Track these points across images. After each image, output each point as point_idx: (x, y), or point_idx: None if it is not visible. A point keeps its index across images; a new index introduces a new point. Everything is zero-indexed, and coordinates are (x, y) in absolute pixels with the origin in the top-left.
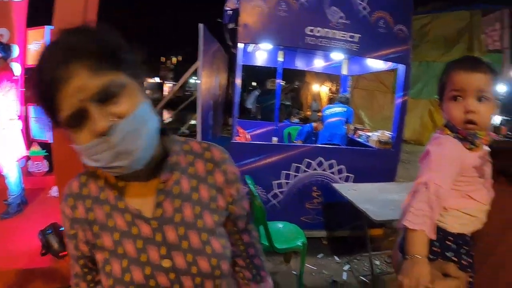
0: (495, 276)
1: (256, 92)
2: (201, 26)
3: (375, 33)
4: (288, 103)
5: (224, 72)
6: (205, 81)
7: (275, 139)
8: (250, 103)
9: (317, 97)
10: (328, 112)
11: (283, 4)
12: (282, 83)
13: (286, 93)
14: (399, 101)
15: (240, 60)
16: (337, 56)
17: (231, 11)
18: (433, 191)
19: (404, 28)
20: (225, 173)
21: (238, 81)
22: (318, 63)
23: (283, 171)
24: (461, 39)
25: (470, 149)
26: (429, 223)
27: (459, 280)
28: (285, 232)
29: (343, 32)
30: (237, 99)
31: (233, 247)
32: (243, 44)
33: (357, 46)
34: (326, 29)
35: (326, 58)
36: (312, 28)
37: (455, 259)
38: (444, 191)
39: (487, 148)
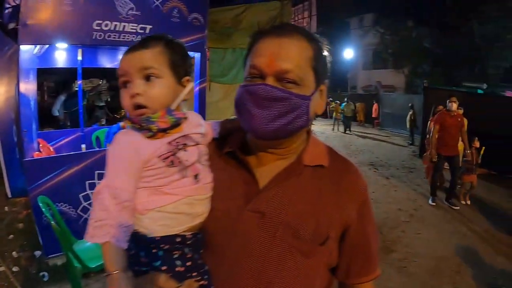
0: (236, 265)
1: (62, 97)
2: None
3: (168, 23)
4: (102, 104)
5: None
6: (1, 91)
7: (83, 147)
8: (56, 110)
9: None
10: None
11: None
12: (101, 82)
13: (99, 93)
14: (197, 88)
15: (25, 64)
16: None
17: (11, 8)
18: (109, 195)
19: (199, 16)
20: None
21: (25, 87)
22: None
23: (87, 181)
24: None
25: (151, 136)
26: (114, 232)
27: None
28: (98, 247)
29: (134, 24)
30: (26, 109)
31: None
32: (31, 46)
33: None
34: (115, 22)
35: None
36: (100, 22)
37: (165, 268)
38: (125, 192)
39: (193, 130)
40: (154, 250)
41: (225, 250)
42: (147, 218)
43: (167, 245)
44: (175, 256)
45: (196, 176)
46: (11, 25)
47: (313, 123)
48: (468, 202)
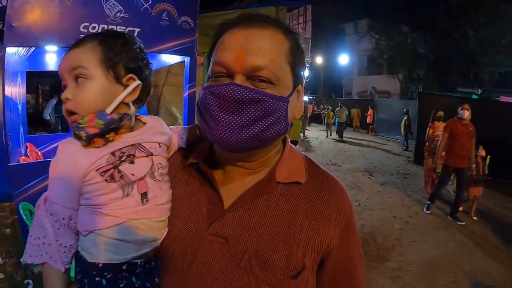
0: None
1: (54, 101)
2: None
3: (157, 27)
4: None
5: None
6: None
7: None
8: (47, 114)
9: None
10: None
11: None
12: None
13: None
14: (187, 93)
15: (13, 67)
16: None
17: None
18: (47, 210)
19: (189, 20)
20: None
21: (12, 90)
22: None
23: None
24: None
25: (87, 145)
26: (52, 252)
27: None
28: None
29: (122, 27)
30: (13, 113)
31: None
32: (18, 48)
33: None
34: (103, 25)
35: None
36: (87, 24)
37: None
38: (62, 208)
39: (148, 139)
40: (97, 278)
41: (185, 276)
42: (87, 240)
43: (110, 274)
44: (121, 285)
45: (144, 195)
46: None
47: (307, 128)
48: (475, 218)
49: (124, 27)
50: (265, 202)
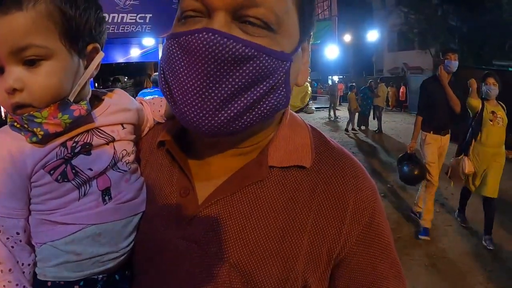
0: None
1: None
2: None
3: (169, 10)
4: None
5: None
6: None
7: None
8: None
9: None
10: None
11: None
12: (125, 79)
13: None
14: None
15: None
16: (149, 42)
17: None
18: None
19: None
20: None
21: None
22: (135, 52)
23: None
24: None
25: (36, 142)
26: (16, 278)
27: None
28: None
29: (132, 14)
30: None
31: None
32: None
33: (149, 27)
34: (113, 14)
35: (141, 45)
36: None
37: None
38: (12, 220)
39: (109, 120)
40: None
41: (152, 286)
42: (39, 253)
43: None
44: None
45: (105, 192)
46: None
47: (338, 108)
48: None
49: (135, 14)
50: (253, 195)
